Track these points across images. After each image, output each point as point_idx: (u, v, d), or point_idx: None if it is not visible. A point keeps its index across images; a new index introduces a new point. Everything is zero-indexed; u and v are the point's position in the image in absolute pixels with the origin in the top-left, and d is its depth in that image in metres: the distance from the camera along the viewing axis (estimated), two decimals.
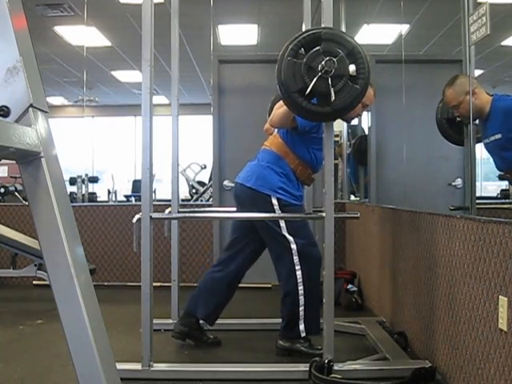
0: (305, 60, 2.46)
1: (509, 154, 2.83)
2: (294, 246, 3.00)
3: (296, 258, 3.00)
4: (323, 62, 2.43)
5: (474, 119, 2.92)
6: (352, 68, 2.49)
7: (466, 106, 2.83)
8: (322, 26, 2.61)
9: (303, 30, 3.21)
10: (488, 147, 2.93)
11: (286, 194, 3.05)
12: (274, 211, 3.02)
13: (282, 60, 2.51)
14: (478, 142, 3.01)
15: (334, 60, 2.43)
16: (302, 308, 3.00)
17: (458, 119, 3.08)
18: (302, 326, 3.02)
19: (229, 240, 3.35)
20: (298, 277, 2.99)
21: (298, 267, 3.00)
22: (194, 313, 3.21)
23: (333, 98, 2.44)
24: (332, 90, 2.44)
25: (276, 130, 3.21)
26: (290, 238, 3.01)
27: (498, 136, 2.81)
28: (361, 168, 5.20)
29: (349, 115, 2.96)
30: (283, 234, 3.01)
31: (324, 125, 2.71)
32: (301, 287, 2.99)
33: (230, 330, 3.57)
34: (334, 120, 2.70)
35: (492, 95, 2.89)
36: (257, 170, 3.11)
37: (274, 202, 3.03)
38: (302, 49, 2.51)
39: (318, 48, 2.47)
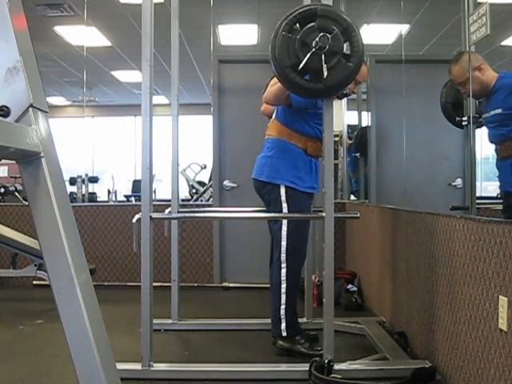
0: (299, 35, 2.45)
1: (504, 129, 2.83)
2: (283, 243, 3.02)
3: (283, 256, 3.02)
4: (317, 38, 2.41)
5: (481, 97, 2.92)
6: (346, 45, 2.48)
7: (474, 82, 2.83)
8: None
9: None
10: (487, 121, 2.93)
11: (296, 181, 3.03)
12: (281, 202, 3.02)
13: (276, 35, 2.49)
14: (479, 126, 3.01)
15: (329, 36, 2.41)
16: (283, 307, 3.02)
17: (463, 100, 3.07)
18: (283, 325, 3.03)
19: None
20: (283, 274, 3.02)
21: (283, 265, 3.02)
22: None
23: (325, 74, 2.43)
24: (325, 66, 2.42)
25: (274, 114, 3.19)
26: (284, 234, 3.01)
27: (499, 111, 2.81)
28: (361, 158, 5.21)
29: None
30: (282, 225, 3.02)
31: (321, 101, 2.70)
32: (284, 285, 3.02)
33: (229, 330, 3.57)
34: (327, 97, 2.68)
35: (499, 72, 2.89)
36: (264, 162, 3.12)
37: (282, 192, 3.02)
38: (298, 24, 2.49)
39: (313, 24, 2.45)
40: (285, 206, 3.02)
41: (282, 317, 3.03)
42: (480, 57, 2.89)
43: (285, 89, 2.75)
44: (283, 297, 3.02)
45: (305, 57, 2.42)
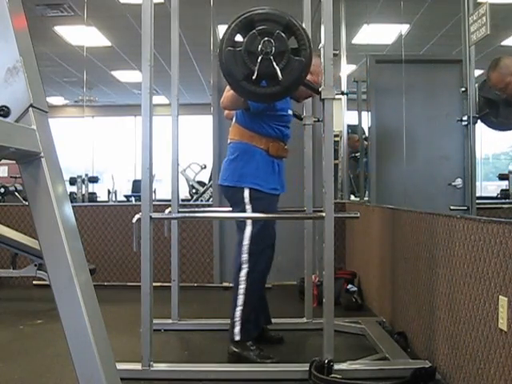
0: (243, 46, 2.45)
1: None
2: (246, 243, 2.95)
3: (245, 256, 2.95)
4: (261, 44, 2.41)
5: None
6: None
7: None
8: (323, 26, 2.60)
9: None
10: None
11: (260, 183, 2.98)
12: (244, 203, 2.96)
13: (221, 51, 2.49)
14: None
15: (272, 40, 2.41)
16: (239, 308, 2.93)
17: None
18: (237, 329, 2.92)
19: None
20: (242, 275, 2.94)
21: (245, 265, 2.95)
22: None
23: (280, 76, 2.43)
24: (278, 69, 2.42)
25: (234, 118, 3.17)
26: (247, 234, 2.94)
27: None
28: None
29: (299, 95, 3.06)
30: (246, 225, 2.96)
31: (280, 103, 2.83)
32: (242, 286, 2.93)
33: None
34: (285, 97, 2.79)
35: None
36: (228, 166, 3.07)
37: (246, 194, 2.96)
38: (239, 35, 2.49)
39: (253, 31, 2.45)
40: (248, 207, 2.96)
41: (237, 319, 2.92)
42: None
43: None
44: (240, 298, 2.92)
45: (255, 66, 2.42)
